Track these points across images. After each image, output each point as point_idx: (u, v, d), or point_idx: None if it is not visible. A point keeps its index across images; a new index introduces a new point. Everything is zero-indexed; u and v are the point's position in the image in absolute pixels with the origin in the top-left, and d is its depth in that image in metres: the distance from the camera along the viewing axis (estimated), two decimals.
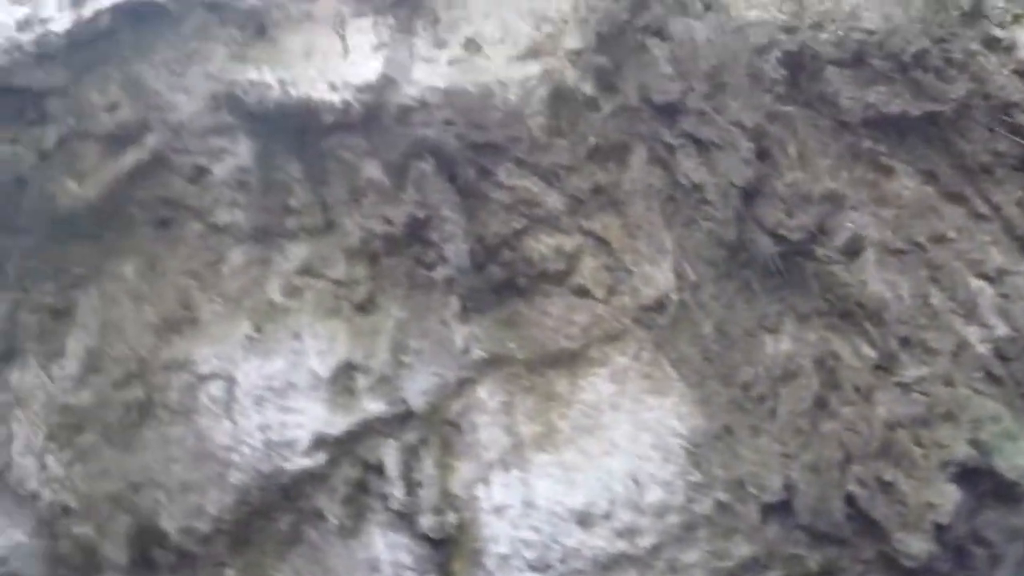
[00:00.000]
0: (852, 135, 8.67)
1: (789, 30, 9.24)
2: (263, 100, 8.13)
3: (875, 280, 8.20)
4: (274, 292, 8.48)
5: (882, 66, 8.71)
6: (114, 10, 8.31)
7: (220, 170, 8.53)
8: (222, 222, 8.60)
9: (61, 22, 8.22)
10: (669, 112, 8.41)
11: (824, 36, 9.06)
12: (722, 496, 7.85)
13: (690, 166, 8.23)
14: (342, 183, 8.56)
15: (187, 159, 8.51)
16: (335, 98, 8.32)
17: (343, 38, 8.79)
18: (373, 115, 8.36)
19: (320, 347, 8.15)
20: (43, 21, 8.36)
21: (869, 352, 8.16)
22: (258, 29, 8.92)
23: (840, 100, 8.58)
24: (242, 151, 8.42)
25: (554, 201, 8.44)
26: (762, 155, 8.37)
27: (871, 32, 8.86)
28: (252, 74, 8.30)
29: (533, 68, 8.59)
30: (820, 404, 8.04)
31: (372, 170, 8.48)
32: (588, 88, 8.61)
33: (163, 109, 8.46)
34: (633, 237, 8.55)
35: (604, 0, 9.03)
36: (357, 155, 8.51)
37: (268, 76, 8.32)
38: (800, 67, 8.71)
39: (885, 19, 9.00)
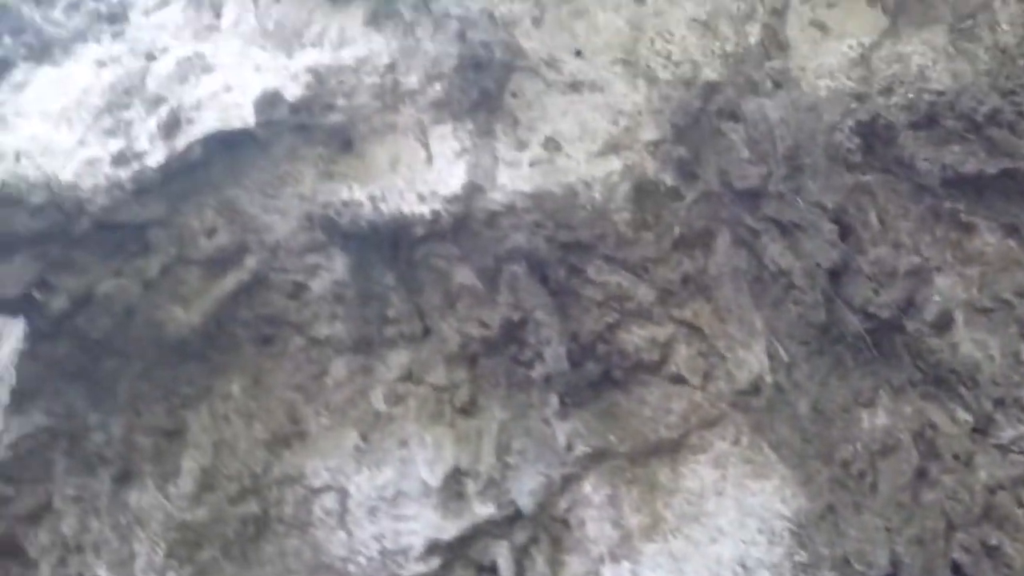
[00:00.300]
0: (931, 197, 8.80)
1: (860, 97, 9.40)
2: (355, 218, 8.43)
3: (965, 342, 8.34)
4: (378, 401, 8.76)
5: (955, 126, 8.84)
6: (206, 140, 8.61)
7: (318, 285, 8.83)
8: (323, 335, 8.89)
9: (155, 156, 8.54)
10: (750, 197, 8.61)
11: (895, 100, 9.20)
12: (829, 575, 8.03)
13: (775, 251, 8.41)
14: (436, 290, 8.82)
15: (285, 277, 8.81)
16: (424, 209, 8.58)
17: (426, 146, 9.06)
18: (462, 222, 8.62)
19: (428, 455, 8.44)
20: (138, 155, 8.67)
21: (965, 417, 8.30)
22: (344, 144, 9.21)
23: (916, 163, 8.71)
24: (338, 266, 8.71)
25: (644, 293, 8.67)
26: (845, 233, 8.50)
27: (941, 93, 8.97)
28: (343, 193, 8.57)
29: (614, 164, 8.82)
30: (920, 475, 8.19)
31: (465, 275, 8.74)
32: (669, 178, 8.83)
33: (259, 231, 8.76)
34: (724, 321, 8.75)
35: (677, 89, 9.21)
36: (449, 262, 8.77)
37: (358, 193, 8.60)
38: (874, 134, 8.87)
39: (954, 77, 9.10)
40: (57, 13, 10.56)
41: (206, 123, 8.72)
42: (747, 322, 8.76)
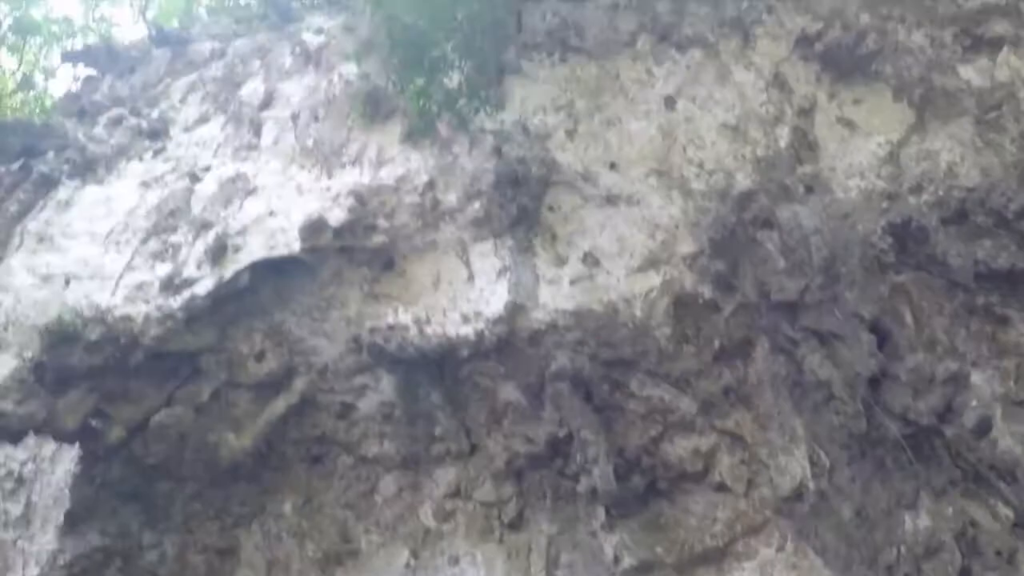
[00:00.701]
0: (965, 292, 8.98)
1: (891, 196, 9.67)
2: (402, 344, 8.69)
3: (1004, 437, 8.48)
4: (427, 517, 8.99)
5: (985, 221, 9.06)
6: (253, 267, 8.91)
7: (365, 405, 9.09)
8: (371, 453, 9.14)
9: (204, 283, 8.85)
10: (788, 308, 8.78)
11: (925, 198, 9.49)
12: None
13: (815, 361, 8.61)
14: (482, 407, 9.07)
15: (334, 398, 9.08)
16: (469, 331, 8.84)
17: (468, 264, 9.33)
18: (506, 341, 8.85)
19: (479, 573, 8.64)
20: (187, 282, 8.97)
21: (1006, 512, 8.44)
22: (386, 263, 9.51)
23: (949, 259, 8.93)
24: (385, 386, 8.97)
25: (687, 405, 8.88)
26: (882, 338, 8.67)
27: (971, 189, 9.24)
28: (389, 317, 8.85)
29: (653, 279, 9.06)
30: (964, 574, 8.32)
31: (510, 392, 8.98)
32: (707, 291, 9.06)
33: (307, 353, 9.02)
34: (765, 429, 8.95)
35: (711, 200, 9.46)
36: (494, 379, 9.01)
37: (403, 316, 8.87)
38: (906, 232, 9.09)
39: (983, 173, 9.37)
40: (99, 130, 10.91)
41: (253, 249, 9.00)
42: (788, 428, 8.95)
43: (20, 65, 16.77)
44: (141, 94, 11.74)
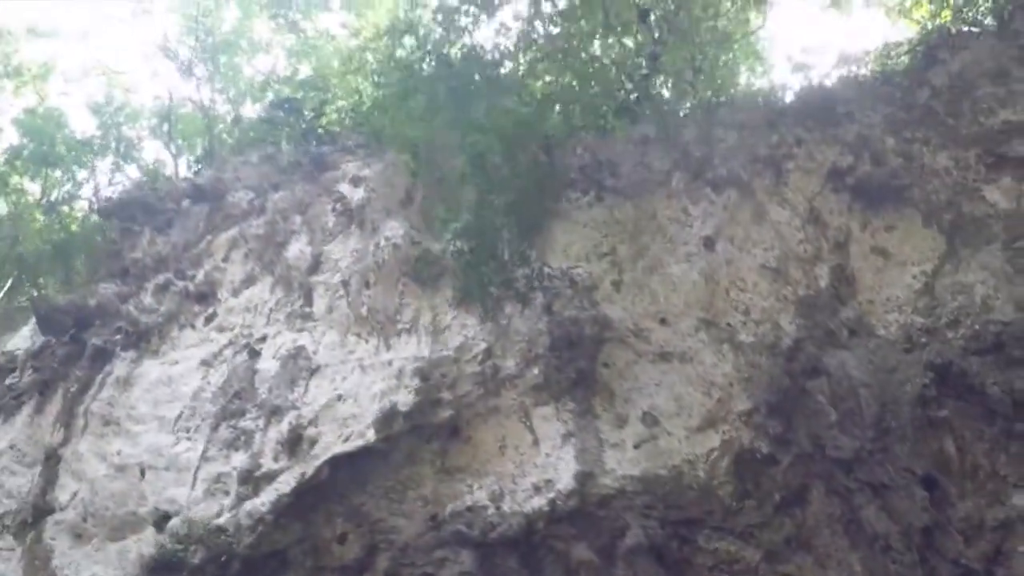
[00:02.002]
0: (1004, 419, 9.70)
1: (929, 331, 10.41)
2: (483, 528, 9.45)
3: None
4: None
5: (1021, 355, 9.76)
6: (332, 460, 9.51)
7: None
8: None
9: (287, 480, 9.54)
10: (843, 461, 9.53)
11: (962, 331, 10.29)
12: None
13: (871, 513, 9.43)
14: (557, 568, 9.83)
15: (415, 571, 9.73)
16: (542, 502, 9.58)
17: (531, 429, 10.02)
18: (578, 508, 9.54)
19: None
20: (268, 476, 9.65)
21: None
22: (452, 431, 10.16)
23: (987, 389, 9.68)
24: (465, 558, 9.67)
25: (751, 555, 9.67)
26: (931, 484, 9.44)
27: (1006, 324, 9.99)
28: (466, 497, 9.60)
29: (713, 439, 9.80)
30: None
31: (582, 552, 9.73)
32: (764, 446, 9.81)
33: (387, 533, 9.71)
34: (824, 568, 9.72)
35: (762, 355, 10.18)
36: (567, 541, 9.74)
37: (479, 494, 9.61)
38: (946, 366, 9.85)
39: (1016, 307, 10.11)
40: (147, 298, 11.45)
41: (328, 441, 9.67)
42: (846, 566, 9.72)
43: (43, 193, 17.14)
44: (183, 253, 12.21)
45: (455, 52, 11.13)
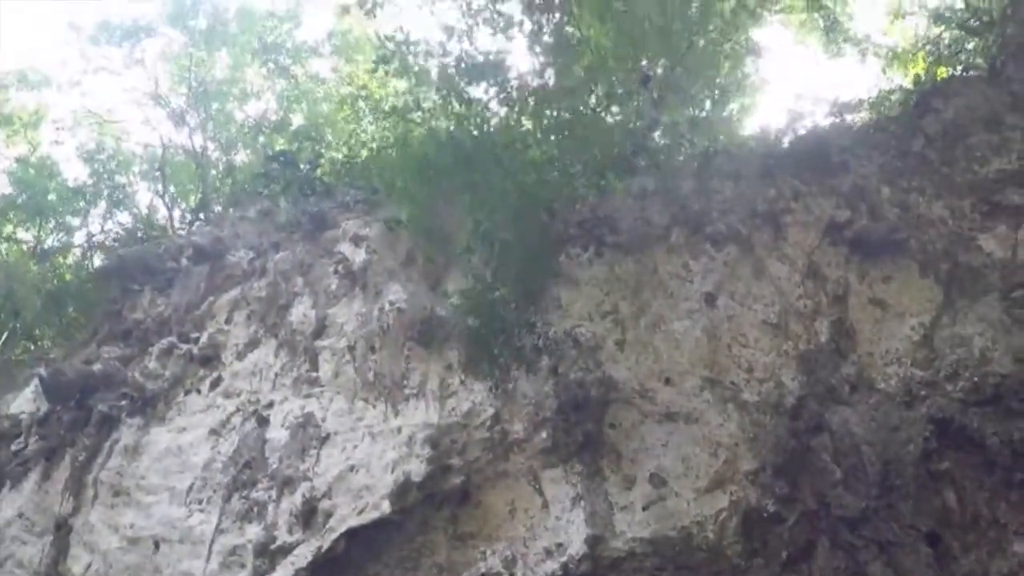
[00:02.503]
0: (1003, 469, 9.98)
1: (929, 384, 10.66)
2: None
3: None
4: None
5: (1020, 407, 10.04)
6: (348, 533, 9.73)
7: None
8: None
9: (303, 554, 9.80)
10: (848, 519, 9.79)
11: (961, 384, 10.53)
12: None
13: (876, 569, 9.79)
14: None
15: None
16: (555, 566, 9.90)
17: (540, 492, 10.25)
18: (590, 572, 9.82)
19: None
20: (284, 550, 9.88)
21: None
22: (463, 497, 10.47)
23: (987, 440, 9.97)
24: None
25: None
26: (935, 539, 9.71)
27: (1004, 376, 10.24)
28: (480, 565, 9.75)
29: (721, 500, 10.06)
30: None
31: None
32: (771, 505, 10.09)
33: None
34: None
35: (766, 414, 10.44)
36: None
37: (492, 560, 9.90)
38: (946, 420, 10.18)
39: (1014, 359, 10.36)
40: (152, 362, 11.65)
41: (343, 514, 9.89)
42: None
43: (37, 242, 17.28)
44: (186, 316, 12.35)
45: (454, 121, 11.31)
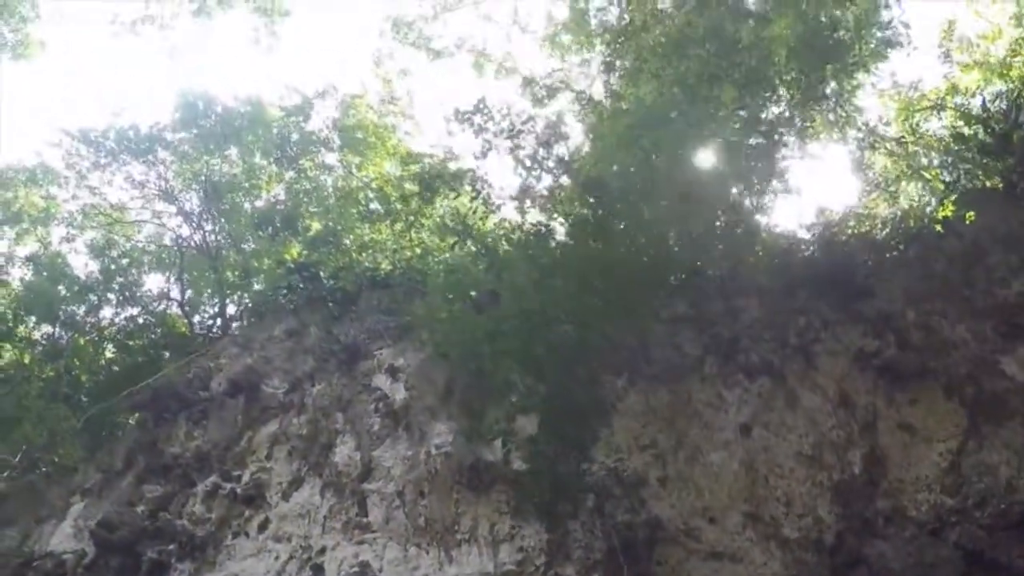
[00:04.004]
0: None
1: (958, 512, 11.34)
2: None
3: None
4: None
5: None
6: None
7: None
8: None
9: None
10: None
11: (988, 511, 11.17)
12: None
13: None
14: None
15: None
16: None
17: None
18: None
19: None
20: None
21: None
22: None
23: (1013, 563, 10.73)
24: None
25: None
26: None
27: None
28: None
29: None
30: None
31: None
32: None
33: None
34: None
35: (807, 551, 11.40)
36: None
37: None
38: (978, 553, 10.75)
39: None
40: (197, 506, 12.07)
41: None
42: None
43: (49, 341, 17.50)
44: (225, 452, 12.71)
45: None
